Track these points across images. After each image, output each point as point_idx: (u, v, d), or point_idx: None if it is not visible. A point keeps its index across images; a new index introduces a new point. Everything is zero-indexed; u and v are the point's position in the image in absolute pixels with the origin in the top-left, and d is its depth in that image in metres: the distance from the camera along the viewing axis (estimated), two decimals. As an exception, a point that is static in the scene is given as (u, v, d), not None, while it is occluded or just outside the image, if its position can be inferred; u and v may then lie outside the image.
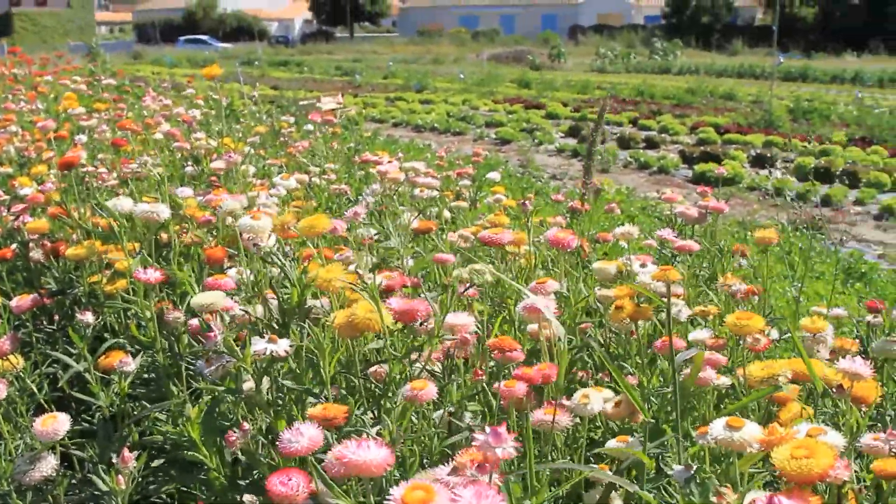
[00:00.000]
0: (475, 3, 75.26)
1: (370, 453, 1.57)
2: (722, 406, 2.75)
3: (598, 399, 2.45)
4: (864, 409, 1.87)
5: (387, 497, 1.42)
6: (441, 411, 2.45)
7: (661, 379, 2.90)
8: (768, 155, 14.69)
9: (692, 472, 1.73)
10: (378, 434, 2.13)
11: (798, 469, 1.51)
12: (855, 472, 2.12)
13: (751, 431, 1.67)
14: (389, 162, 4.71)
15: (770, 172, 13.49)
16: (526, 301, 2.48)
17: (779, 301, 5.70)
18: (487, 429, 1.56)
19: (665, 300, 3.00)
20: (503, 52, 48.45)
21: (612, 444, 2.30)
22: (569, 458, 2.55)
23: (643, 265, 3.21)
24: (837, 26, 56.34)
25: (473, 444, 1.55)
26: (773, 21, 20.95)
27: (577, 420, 2.43)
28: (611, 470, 2.43)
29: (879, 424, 2.59)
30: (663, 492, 2.25)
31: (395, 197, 4.14)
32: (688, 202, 4.17)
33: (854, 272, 6.81)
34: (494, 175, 5.33)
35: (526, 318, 2.50)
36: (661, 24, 64.09)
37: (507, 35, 64.37)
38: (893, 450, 2.20)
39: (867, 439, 2.20)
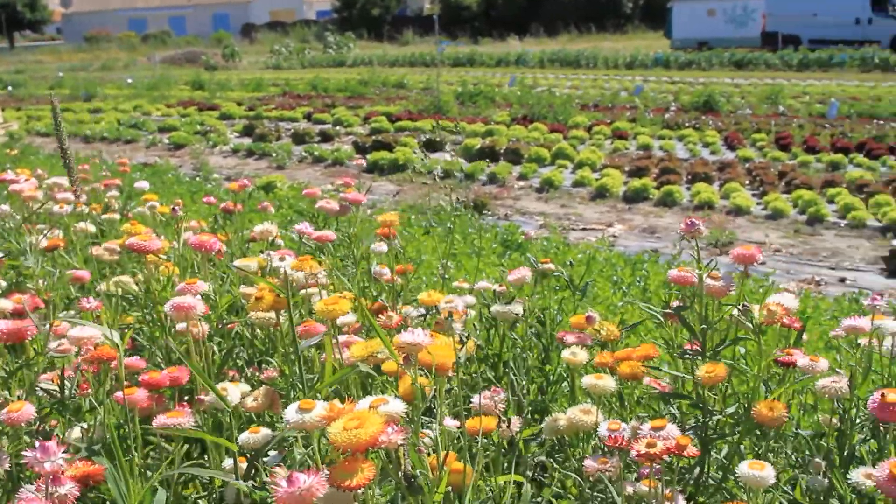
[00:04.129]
0: (142, 6, 73.07)
1: None
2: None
3: (235, 392, 2.48)
4: (450, 374, 1.99)
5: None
6: (73, 428, 2.40)
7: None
8: (438, 139, 15.21)
9: (283, 455, 1.78)
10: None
11: (348, 439, 1.60)
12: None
13: (318, 412, 1.75)
14: (27, 180, 4.52)
15: (425, 155, 13.95)
16: (173, 300, 2.49)
17: (430, 280, 5.92)
18: (37, 444, 1.55)
19: (306, 289, 3.08)
20: (176, 55, 47.37)
21: (244, 436, 2.32)
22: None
23: (282, 258, 3.26)
24: (500, 13, 59.00)
25: (23, 460, 1.54)
26: (437, 11, 21.78)
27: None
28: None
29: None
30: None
31: (31, 216, 3.97)
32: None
33: (512, 244, 7.21)
34: (143, 184, 5.23)
35: (174, 316, 2.51)
36: (334, 18, 64.79)
37: (180, 36, 62.94)
38: (499, 405, 2.37)
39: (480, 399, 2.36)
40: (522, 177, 12.49)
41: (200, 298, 2.70)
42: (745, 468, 2.02)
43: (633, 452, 1.95)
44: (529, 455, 2.87)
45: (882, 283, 7.59)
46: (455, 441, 2.12)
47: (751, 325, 2.34)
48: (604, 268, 6.50)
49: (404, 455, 1.76)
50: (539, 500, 2.75)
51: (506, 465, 2.47)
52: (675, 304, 2.65)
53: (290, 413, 1.75)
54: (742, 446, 2.52)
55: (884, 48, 35.32)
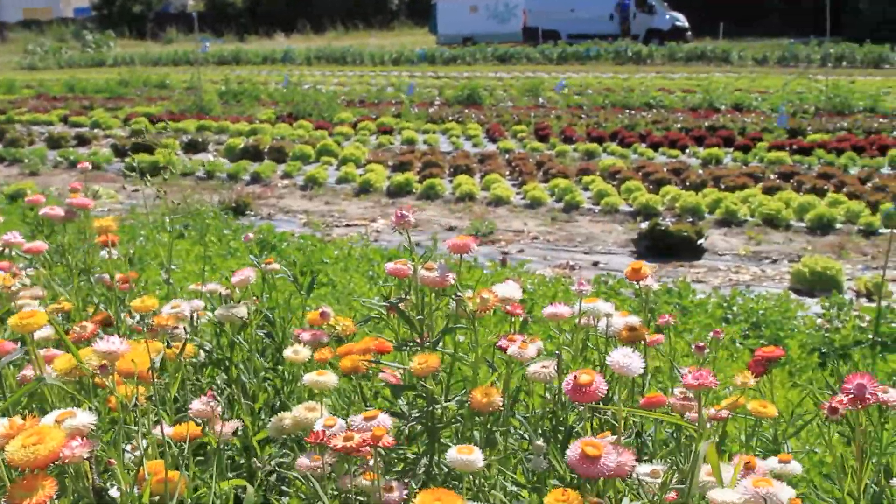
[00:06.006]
0: None
1: None
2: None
3: None
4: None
5: None
6: None
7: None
8: (200, 139, 14.89)
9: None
10: None
11: (25, 456, 1.53)
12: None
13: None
14: None
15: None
16: None
17: (184, 285, 5.77)
18: None
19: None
20: (-84, 58, 44.43)
21: None
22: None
23: (0, 273, 3.10)
24: (266, 9, 58.33)
25: None
26: (200, 7, 21.38)
27: None
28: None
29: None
30: None
31: None
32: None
33: (268, 244, 7.12)
34: None
35: None
36: (93, 16, 62.34)
37: (-79, 38, 59.07)
38: (217, 411, 2.32)
39: (197, 404, 2.30)
40: (287, 175, 12.38)
41: None
42: (454, 453, 2.04)
43: (332, 447, 1.95)
44: (267, 457, 2.83)
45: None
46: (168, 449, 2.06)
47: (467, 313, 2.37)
48: (360, 263, 6.51)
49: (91, 468, 1.69)
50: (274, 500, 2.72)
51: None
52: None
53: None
54: (476, 432, 2.55)
55: (638, 41, 37.15)
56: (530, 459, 2.40)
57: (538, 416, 2.59)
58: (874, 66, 31.17)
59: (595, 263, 8.01)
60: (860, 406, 2.03)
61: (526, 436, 2.56)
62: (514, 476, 2.46)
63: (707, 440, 1.91)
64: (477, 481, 2.38)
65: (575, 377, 1.99)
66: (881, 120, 16.16)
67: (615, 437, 2.09)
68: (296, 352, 2.59)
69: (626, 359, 2.05)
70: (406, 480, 2.44)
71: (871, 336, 5.34)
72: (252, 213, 9.99)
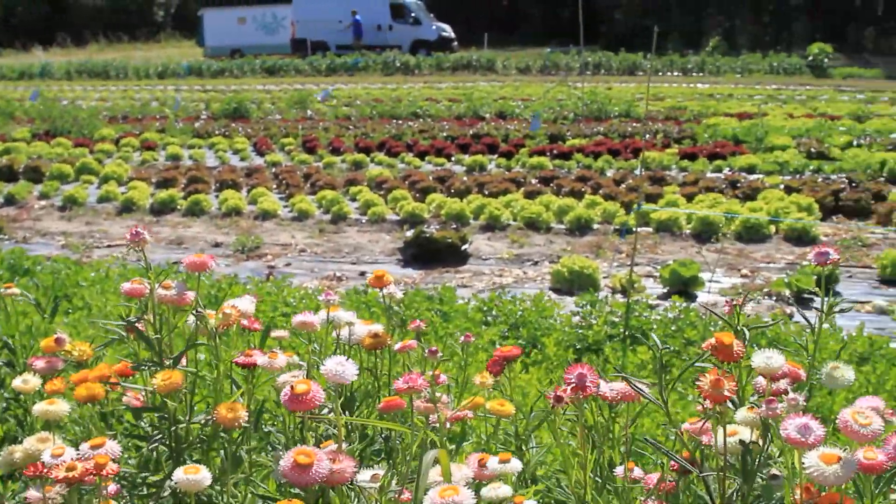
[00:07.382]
0: None
1: None
2: None
3: None
4: None
5: None
6: None
7: None
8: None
9: None
10: None
11: None
12: None
13: None
14: None
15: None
16: None
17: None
18: None
19: None
20: None
21: None
22: None
23: None
24: (21, 20, 55.77)
25: None
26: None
27: None
28: None
29: None
30: None
31: None
32: None
33: (19, 269, 6.81)
34: None
35: None
36: None
37: None
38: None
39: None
40: (44, 196, 11.87)
41: None
42: (180, 474, 2.04)
43: (53, 478, 1.90)
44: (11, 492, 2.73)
45: (399, 272, 8.04)
46: None
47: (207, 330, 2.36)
48: (118, 285, 6.33)
49: None
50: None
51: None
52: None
53: None
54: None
55: (405, 52, 37.68)
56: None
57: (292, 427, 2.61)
58: (629, 74, 32.88)
59: (362, 273, 8.07)
60: (582, 395, 2.15)
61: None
62: (266, 487, 2.47)
63: (419, 443, 1.97)
64: (225, 497, 2.37)
65: (291, 387, 2.02)
66: (634, 124, 17.00)
67: (336, 444, 2.13)
68: (25, 381, 2.51)
69: (339, 367, 2.08)
70: (151, 504, 2.41)
71: (622, 330, 5.63)
72: (6, 237, 9.54)
